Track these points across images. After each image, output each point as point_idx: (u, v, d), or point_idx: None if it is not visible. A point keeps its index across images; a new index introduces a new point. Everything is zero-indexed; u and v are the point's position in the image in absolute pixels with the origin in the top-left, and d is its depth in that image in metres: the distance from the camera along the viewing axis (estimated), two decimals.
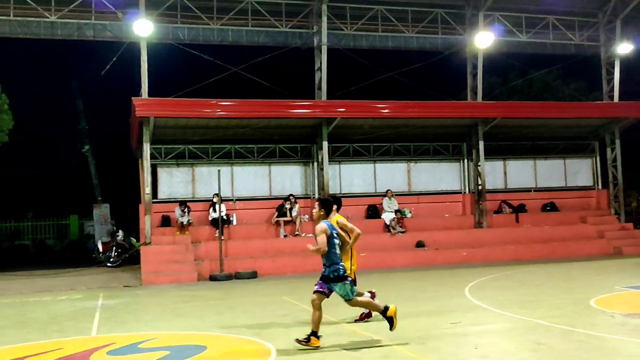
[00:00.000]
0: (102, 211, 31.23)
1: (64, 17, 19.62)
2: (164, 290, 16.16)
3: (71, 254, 31.40)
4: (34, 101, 33.60)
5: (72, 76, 37.49)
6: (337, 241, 8.11)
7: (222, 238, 18.62)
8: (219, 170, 19.03)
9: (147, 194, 19.51)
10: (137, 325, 10.57)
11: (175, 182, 21.47)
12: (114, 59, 20.08)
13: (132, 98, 19.11)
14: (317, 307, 7.85)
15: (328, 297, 7.99)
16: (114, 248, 22.00)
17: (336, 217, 9.14)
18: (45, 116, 36.34)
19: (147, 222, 19.24)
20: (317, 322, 7.80)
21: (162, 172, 21.39)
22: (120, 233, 22.79)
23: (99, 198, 35.39)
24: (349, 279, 8.15)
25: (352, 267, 9.29)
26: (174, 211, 20.22)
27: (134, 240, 23.60)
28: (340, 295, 8.04)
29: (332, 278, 7.91)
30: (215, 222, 19.35)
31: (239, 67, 21.51)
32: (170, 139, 21.11)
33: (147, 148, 19.49)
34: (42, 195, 38.49)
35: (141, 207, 20.02)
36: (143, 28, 19.22)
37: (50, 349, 8.59)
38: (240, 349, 8.28)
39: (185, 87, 20.27)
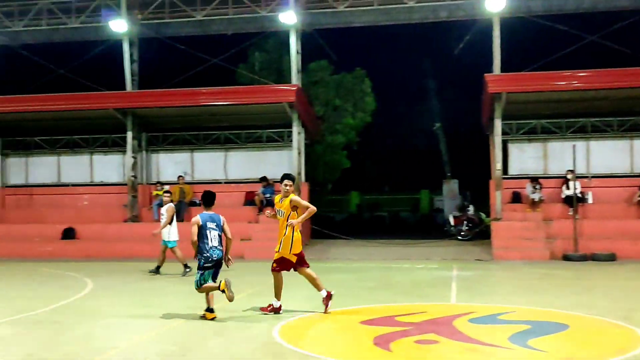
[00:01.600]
0: (451, 186, 32.31)
1: (421, 1, 20.60)
2: (515, 266, 16.13)
3: (422, 226, 33.24)
4: (392, 83, 36.26)
5: (424, 57, 39.44)
6: None
7: (577, 217, 17.76)
8: (573, 146, 18.13)
9: (498, 170, 19.58)
10: (493, 297, 10.81)
11: (526, 157, 21.12)
12: (467, 37, 20.48)
13: (485, 75, 19.29)
14: None
15: None
16: (465, 222, 22.66)
17: None
18: (401, 97, 38.91)
19: (497, 198, 19.35)
20: None
21: (512, 148, 21.24)
22: (471, 208, 23.34)
23: (449, 174, 36.70)
24: None
25: None
26: (524, 187, 19.93)
27: (484, 215, 23.95)
28: None
29: None
30: (568, 200, 18.53)
31: (595, 36, 20.10)
32: (521, 115, 20.76)
33: (498, 124, 19.52)
34: (398, 170, 41.42)
35: (491, 183, 20.18)
36: (496, 3, 19.18)
37: (415, 311, 9.33)
38: (606, 331, 7.90)
39: (532, 61, 19.73)
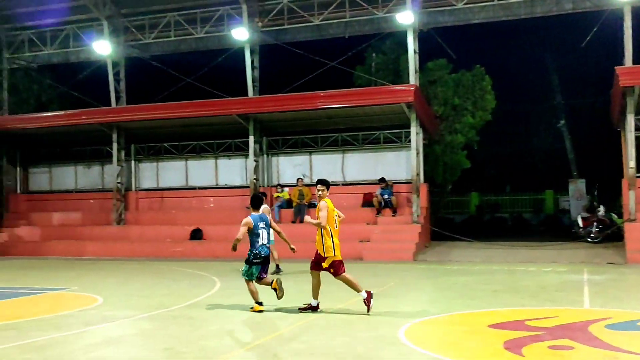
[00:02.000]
0: (577, 186, 30.81)
1: None
2: None
3: (546, 228, 31.90)
4: (512, 80, 35.09)
5: (546, 52, 37.84)
6: None
7: None
8: None
9: (631, 167, 18.42)
10: (630, 303, 10.17)
11: None
12: (595, 29, 19.45)
13: (616, 67, 18.23)
14: None
15: None
16: (595, 224, 21.47)
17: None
18: (522, 94, 37.57)
19: (631, 198, 18.21)
20: None
21: None
22: (601, 208, 22.08)
23: (575, 173, 34.99)
24: None
25: None
26: None
27: (615, 216, 22.60)
28: None
29: None
30: None
31: None
32: None
33: (631, 119, 18.38)
34: (519, 170, 40.04)
35: (624, 182, 19.03)
36: None
37: (546, 315, 8.95)
38: None
39: None
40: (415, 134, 20.29)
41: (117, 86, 24.64)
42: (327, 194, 9.68)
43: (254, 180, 22.12)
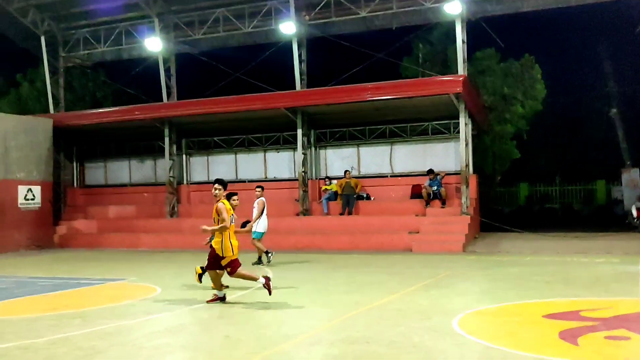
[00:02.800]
0: (631, 175, 30.06)
1: None
2: None
3: (598, 219, 31.25)
4: (563, 68, 34.45)
5: (598, 39, 36.96)
6: None
7: None
8: None
9: None
10: None
11: None
12: None
13: None
14: None
15: None
16: None
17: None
18: (573, 82, 36.81)
19: None
20: None
21: None
22: None
23: (628, 162, 34.15)
24: None
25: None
26: None
27: None
28: None
29: None
30: None
31: None
32: None
33: None
34: (570, 160, 39.27)
35: None
36: None
37: (601, 306, 8.89)
38: None
39: None
40: (464, 124, 20.19)
41: (168, 82, 25.20)
42: (224, 195, 9.86)
43: (303, 173, 22.35)
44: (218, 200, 9.80)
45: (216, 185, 9.86)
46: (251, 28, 23.59)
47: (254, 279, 9.80)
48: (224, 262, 9.65)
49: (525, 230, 21.31)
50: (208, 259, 9.85)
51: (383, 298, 10.07)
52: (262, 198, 16.06)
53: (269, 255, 15.63)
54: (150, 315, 9.05)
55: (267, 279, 9.73)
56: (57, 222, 24.85)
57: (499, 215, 27.57)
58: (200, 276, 11.20)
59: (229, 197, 11.63)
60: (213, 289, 9.98)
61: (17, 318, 9.11)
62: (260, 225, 15.76)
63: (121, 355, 6.90)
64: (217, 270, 9.80)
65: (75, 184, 27.52)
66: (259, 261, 15.70)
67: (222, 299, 9.86)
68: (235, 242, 9.73)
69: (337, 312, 8.98)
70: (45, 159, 23.93)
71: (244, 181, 24.97)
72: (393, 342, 7.09)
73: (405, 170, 22.64)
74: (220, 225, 9.59)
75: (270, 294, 9.66)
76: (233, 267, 9.68)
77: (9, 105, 28.45)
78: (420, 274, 13.16)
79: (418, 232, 19.53)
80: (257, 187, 16.42)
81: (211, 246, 9.89)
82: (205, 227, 9.81)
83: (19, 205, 22.66)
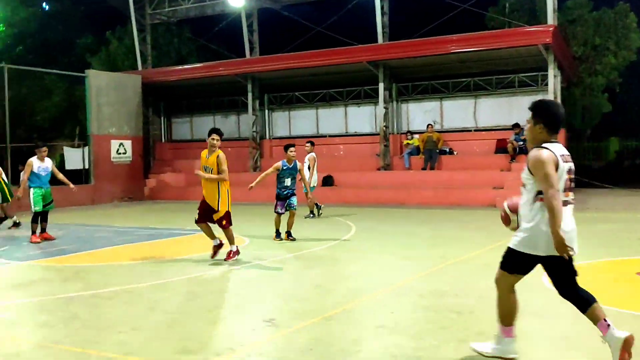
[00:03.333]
0: None
1: None
2: None
3: None
4: None
5: None
6: None
7: None
8: None
9: None
10: None
11: None
12: None
13: None
14: None
15: None
16: None
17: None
18: None
19: None
20: None
21: None
22: None
23: None
24: None
25: None
26: None
27: None
28: None
29: None
30: None
31: None
32: None
33: None
34: None
35: None
36: None
37: None
38: None
39: None
40: (553, 76, 19.44)
41: (250, 37, 25.46)
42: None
43: (384, 128, 22.26)
44: (214, 152, 9.43)
45: (215, 136, 9.41)
46: None
47: (232, 242, 9.48)
48: (217, 216, 9.39)
49: (615, 187, 20.56)
50: (198, 211, 9.59)
51: (469, 252, 10.05)
52: (313, 153, 16.34)
53: (320, 208, 15.91)
54: (242, 265, 9.40)
55: (237, 252, 9.52)
56: (146, 175, 25.90)
57: (587, 170, 26.68)
58: (288, 234, 11.63)
59: (286, 148, 11.92)
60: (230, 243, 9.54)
61: (120, 264, 9.69)
62: (312, 180, 16.02)
63: (218, 300, 7.26)
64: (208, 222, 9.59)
65: (163, 139, 28.49)
66: (312, 214, 15.94)
67: (220, 246, 9.61)
68: (230, 195, 9.49)
69: (423, 266, 9.05)
70: (135, 114, 24.84)
71: (324, 136, 25.16)
72: (482, 297, 7.11)
73: (490, 124, 22.16)
74: (220, 176, 9.36)
75: (211, 257, 9.49)
76: (228, 221, 9.43)
77: (99, 63, 29.52)
78: (506, 230, 12.98)
79: (502, 188, 19.18)
80: (308, 142, 16.62)
81: (203, 198, 9.59)
82: (200, 172, 9.52)
83: (112, 159, 23.72)
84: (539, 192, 4.48)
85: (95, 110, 23.17)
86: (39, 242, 12.01)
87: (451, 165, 21.49)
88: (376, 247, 10.95)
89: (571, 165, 4.57)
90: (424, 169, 21.40)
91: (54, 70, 26.06)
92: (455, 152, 22.03)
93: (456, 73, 22.51)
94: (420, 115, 23.36)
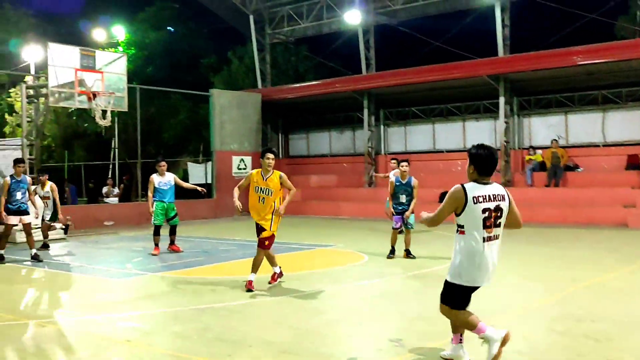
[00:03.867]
0: None
1: None
2: None
3: None
4: None
5: None
6: None
7: None
8: None
9: None
10: None
11: None
12: None
13: None
14: None
15: None
16: None
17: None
18: None
19: None
20: None
21: None
22: None
23: None
24: None
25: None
26: None
27: None
28: None
29: None
30: None
31: None
32: None
33: None
34: None
35: None
36: None
37: None
38: None
39: None
40: None
41: (367, 54, 25.60)
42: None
43: (505, 143, 21.60)
44: (270, 171, 8.91)
45: (270, 155, 8.87)
46: None
47: (275, 265, 9.22)
48: (264, 235, 8.95)
49: None
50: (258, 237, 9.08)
51: (601, 275, 9.50)
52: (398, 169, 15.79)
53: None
54: (363, 281, 9.40)
55: (281, 274, 9.24)
56: None
57: None
58: (407, 252, 11.51)
59: (399, 163, 11.75)
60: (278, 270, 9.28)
61: (245, 278, 9.94)
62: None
63: (342, 317, 7.26)
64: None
65: (280, 155, 29.18)
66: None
67: (281, 275, 9.28)
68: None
69: (552, 288, 8.66)
70: (255, 131, 25.62)
71: (441, 151, 24.78)
72: (621, 322, 6.68)
73: (620, 139, 20.92)
74: (293, 191, 9.14)
75: (270, 284, 9.10)
76: (271, 242, 9.04)
77: (221, 82, 30.72)
78: (631, 254, 12.16)
79: (634, 206, 18.03)
80: (392, 159, 16.05)
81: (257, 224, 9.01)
82: (282, 208, 9.06)
83: (233, 174, 24.53)
84: (460, 226, 5.13)
85: (219, 127, 24.13)
86: (156, 255, 12.44)
87: (577, 182, 20.47)
88: (499, 267, 10.53)
89: (498, 204, 5.15)
90: (547, 185, 20.52)
91: (181, 90, 27.43)
92: (580, 168, 20.97)
93: (582, 85, 21.46)
94: (543, 130, 22.45)
